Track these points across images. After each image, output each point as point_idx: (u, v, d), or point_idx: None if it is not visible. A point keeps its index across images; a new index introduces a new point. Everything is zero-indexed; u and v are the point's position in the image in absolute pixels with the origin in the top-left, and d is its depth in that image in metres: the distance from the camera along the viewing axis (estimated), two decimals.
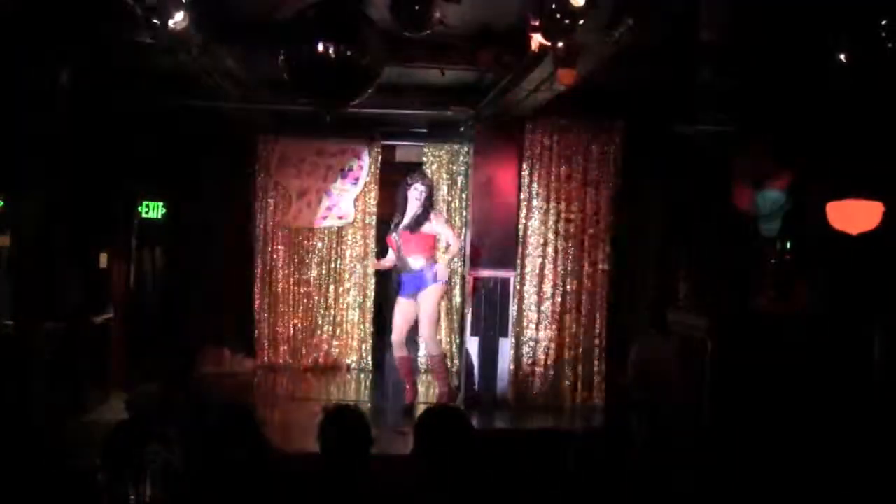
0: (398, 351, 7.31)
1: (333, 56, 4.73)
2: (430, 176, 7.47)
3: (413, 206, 7.13)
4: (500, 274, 7.70)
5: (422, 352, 8.44)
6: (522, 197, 7.69)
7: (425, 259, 7.13)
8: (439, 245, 7.73)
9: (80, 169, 6.75)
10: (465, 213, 8.78)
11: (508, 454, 4.45)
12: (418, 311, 7.23)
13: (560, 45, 4.85)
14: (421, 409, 6.79)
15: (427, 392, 7.88)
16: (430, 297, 7.13)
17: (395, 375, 8.95)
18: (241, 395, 7.90)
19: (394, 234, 7.20)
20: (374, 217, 9.00)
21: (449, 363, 9.05)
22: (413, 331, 7.59)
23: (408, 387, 7.31)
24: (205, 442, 2.95)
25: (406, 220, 7.14)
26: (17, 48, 5.76)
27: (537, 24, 4.94)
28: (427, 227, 7.13)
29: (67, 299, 6.77)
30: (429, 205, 7.20)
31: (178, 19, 4.89)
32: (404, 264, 7.15)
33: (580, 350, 7.73)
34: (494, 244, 7.75)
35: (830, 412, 6.09)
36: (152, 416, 3.75)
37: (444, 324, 9.08)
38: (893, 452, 5.33)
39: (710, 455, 5.52)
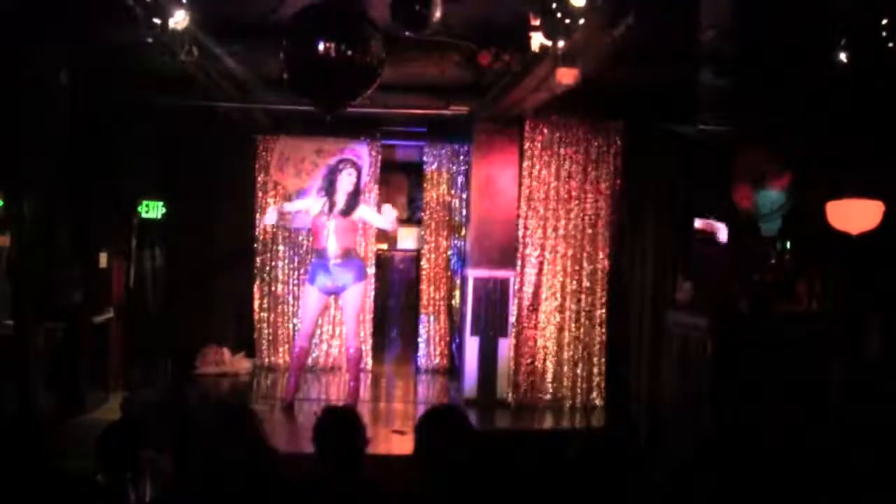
0: (304, 343, 7.30)
1: (334, 56, 4.74)
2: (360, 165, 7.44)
3: (344, 190, 7.06)
4: (500, 274, 7.70)
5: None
6: (522, 197, 7.69)
7: (351, 248, 7.11)
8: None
9: (80, 169, 6.75)
10: (465, 213, 8.78)
11: (508, 454, 4.45)
12: (341, 305, 7.31)
13: (560, 44, 4.85)
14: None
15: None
16: (357, 293, 7.12)
17: (395, 375, 8.99)
18: (240, 396, 7.90)
19: (324, 219, 7.05)
20: None
21: (447, 363, 9.08)
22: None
23: (293, 381, 7.27)
24: (204, 442, 2.95)
25: (340, 204, 7.06)
26: (17, 48, 5.76)
27: (537, 23, 4.94)
28: (356, 214, 7.13)
29: (67, 299, 6.77)
30: (358, 190, 7.16)
31: (178, 19, 4.89)
32: (329, 253, 7.02)
33: (580, 350, 7.73)
34: (494, 244, 7.75)
35: (831, 412, 6.10)
36: (147, 421, 3.75)
37: (444, 323, 9.11)
38: (893, 452, 5.33)
39: (711, 455, 5.52)
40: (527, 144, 7.68)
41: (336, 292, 7.21)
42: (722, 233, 7.98)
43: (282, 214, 7.64)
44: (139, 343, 7.88)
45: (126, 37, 5.24)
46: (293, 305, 8.90)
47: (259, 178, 8.87)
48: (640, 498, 3.04)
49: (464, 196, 8.90)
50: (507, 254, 7.71)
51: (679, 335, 6.99)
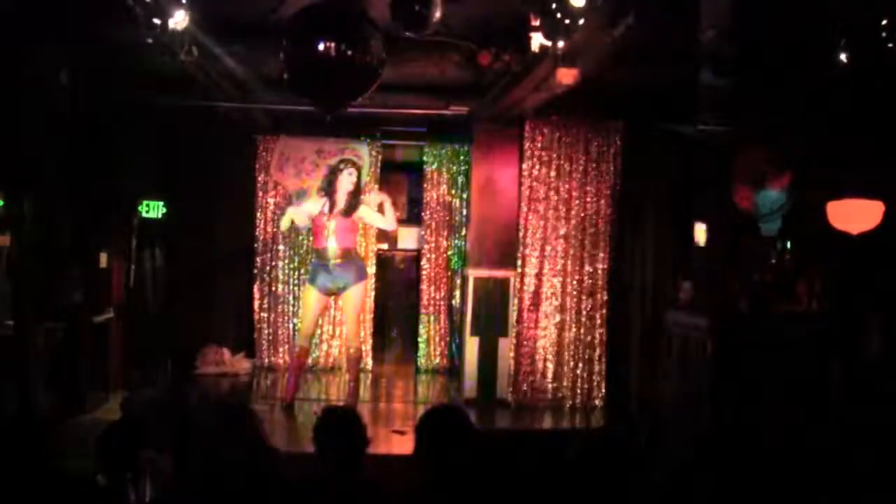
0: (304, 343, 7.31)
1: (334, 56, 4.74)
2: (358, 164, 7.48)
3: (345, 190, 7.07)
4: (500, 274, 7.70)
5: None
6: (522, 196, 7.69)
7: (351, 248, 7.12)
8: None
9: (80, 169, 6.75)
10: (465, 213, 8.78)
11: (508, 454, 4.45)
12: (342, 305, 7.35)
13: (560, 44, 4.85)
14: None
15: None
16: (357, 293, 7.14)
17: (395, 375, 8.99)
18: (240, 396, 7.90)
19: (324, 219, 7.07)
20: None
21: (447, 363, 9.09)
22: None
23: (293, 381, 7.26)
24: (204, 442, 2.95)
25: (341, 204, 7.07)
26: (17, 48, 5.76)
27: (537, 23, 4.94)
28: (356, 214, 7.13)
29: (67, 299, 6.77)
30: (358, 190, 7.17)
31: (178, 19, 4.89)
32: (329, 253, 7.04)
33: (580, 350, 7.73)
34: (494, 244, 7.75)
35: (831, 412, 6.10)
36: (147, 421, 3.75)
37: (444, 323, 9.11)
38: (893, 452, 5.33)
39: (711, 455, 5.52)
40: (527, 144, 7.68)
41: (336, 292, 7.22)
42: (699, 234, 7.99)
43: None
44: (139, 343, 7.88)
45: (126, 37, 5.24)
46: (293, 305, 8.90)
47: (259, 178, 8.88)
48: (640, 498, 3.04)
49: (464, 196, 8.90)
50: (507, 254, 7.70)
51: (679, 335, 6.99)
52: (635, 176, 7.79)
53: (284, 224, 7.41)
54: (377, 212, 7.24)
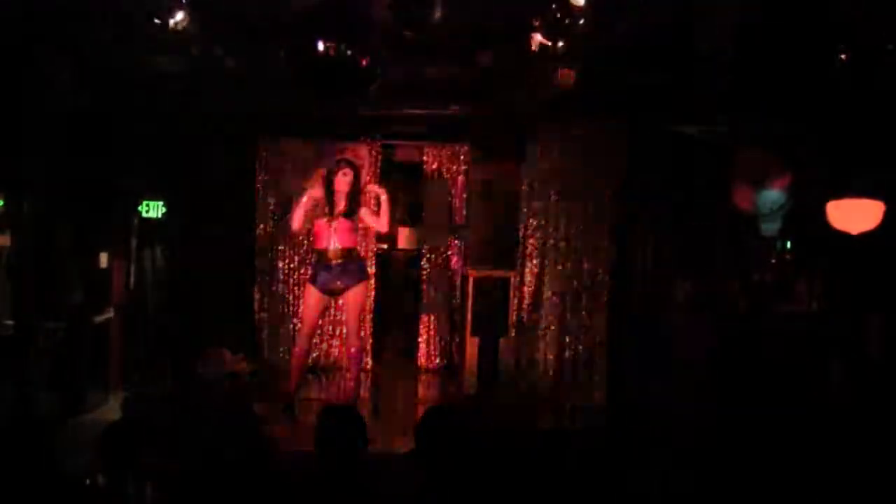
0: (304, 343, 7.28)
1: (334, 56, 4.74)
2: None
3: (342, 191, 6.97)
4: (500, 274, 7.70)
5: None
6: (523, 196, 7.69)
7: (352, 248, 7.12)
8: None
9: (80, 169, 6.75)
10: (465, 213, 8.78)
11: (508, 454, 4.45)
12: (343, 305, 7.33)
13: (560, 44, 4.85)
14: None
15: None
16: (359, 293, 7.12)
17: (395, 375, 8.98)
18: (240, 396, 7.90)
19: (325, 220, 6.97)
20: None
21: (447, 363, 9.08)
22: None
23: (293, 381, 7.21)
24: (205, 442, 2.95)
25: (340, 205, 6.99)
26: (17, 48, 5.77)
27: (537, 23, 4.95)
28: (356, 214, 7.08)
29: (67, 299, 6.77)
30: (357, 191, 7.14)
31: (178, 19, 4.90)
32: (331, 254, 6.98)
33: (580, 350, 7.73)
34: (494, 244, 7.75)
35: (830, 411, 6.10)
36: (147, 421, 3.76)
37: (444, 323, 9.10)
38: (893, 451, 5.33)
39: (710, 455, 5.52)
40: (527, 144, 7.68)
41: (338, 292, 7.22)
42: (699, 234, 7.98)
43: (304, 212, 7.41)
44: (139, 343, 7.88)
45: (126, 37, 5.24)
46: (293, 305, 8.89)
47: (259, 179, 8.87)
48: (640, 498, 3.05)
49: (464, 196, 8.90)
50: (507, 254, 7.71)
51: (678, 335, 6.99)
52: (636, 176, 7.78)
53: (296, 223, 7.33)
54: (374, 206, 7.21)
